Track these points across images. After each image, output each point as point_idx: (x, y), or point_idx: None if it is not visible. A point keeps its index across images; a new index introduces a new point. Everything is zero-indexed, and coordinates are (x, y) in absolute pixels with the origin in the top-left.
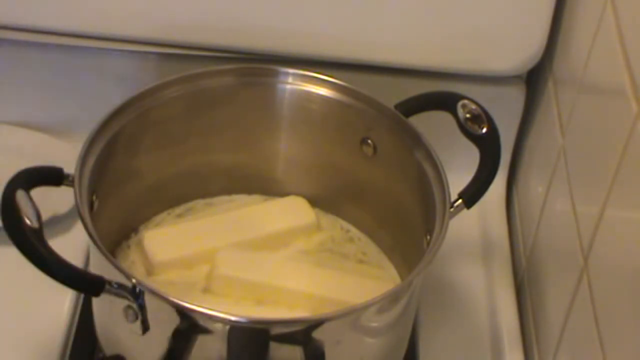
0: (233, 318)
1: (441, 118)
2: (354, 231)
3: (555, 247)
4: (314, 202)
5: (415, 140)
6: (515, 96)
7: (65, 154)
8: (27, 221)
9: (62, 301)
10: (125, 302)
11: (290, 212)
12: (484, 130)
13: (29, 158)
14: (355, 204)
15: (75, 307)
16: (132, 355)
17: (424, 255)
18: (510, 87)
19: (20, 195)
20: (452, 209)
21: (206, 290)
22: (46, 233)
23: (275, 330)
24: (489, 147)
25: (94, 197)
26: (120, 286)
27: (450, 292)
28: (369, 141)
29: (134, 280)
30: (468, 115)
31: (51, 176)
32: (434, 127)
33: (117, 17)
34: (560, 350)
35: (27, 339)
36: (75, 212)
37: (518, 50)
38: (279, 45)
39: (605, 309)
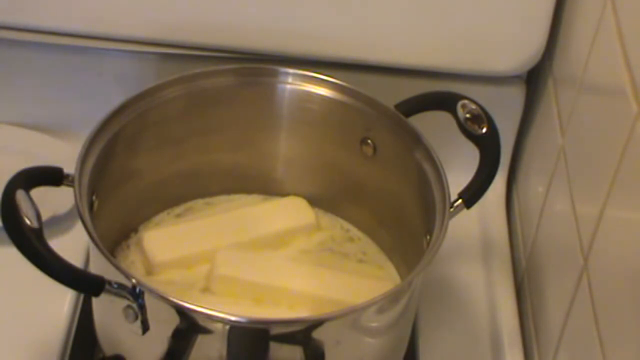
0: (233, 318)
1: (441, 118)
2: (354, 231)
3: (555, 247)
4: (314, 202)
5: (415, 140)
6: (515, 96)
7: (65, 154)
8: (27, 221)
9: (62, 301)
10: (125, 302)
11: (290, 212)
12: (484, 130)
13: (29, 158)
14: (355, 204)
15: (75, 307)
16: (132, 355)
17: (424, 255)
18: (510, 87)
19: (20, 195)
20: (452, 209)
21: (206, 290)
22: (46, 233)
23: (275, 330)
24: (489, 147)
25: (94, 197)
26: (120, 286)
27: (450, 292)
28: (369, 141)
29: (134, 280)
30: (468, 115)
31: (51, 176)
32: (434, 127)
33: (117, 17)
34: (560, 350)
35: (27, 339)
36: (75, 212)
37: (518, 50)
38: (279, 45)
39: (605, 309)
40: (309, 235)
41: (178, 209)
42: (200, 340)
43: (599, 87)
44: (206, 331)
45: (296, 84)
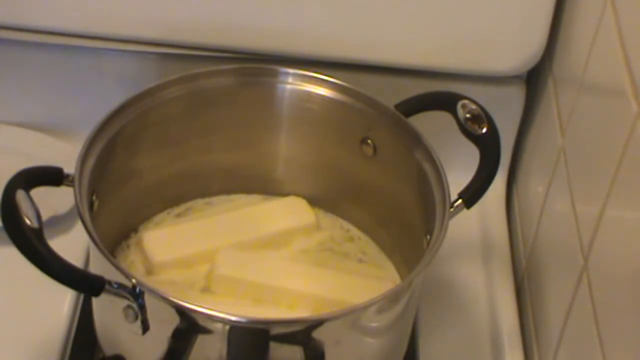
0: (233, 318)
1: (441, 118)
2: (354, 230)
3: (555, 247)
4: (314, 202)
5: (415, 140)
6: (515, 96)
7: (65, 154)
8: (27, 221)
9: (62, 301)
10: (125, 302)
11: (290, 212)
12: (484, 130)
13: (29, 158)
14: (355, 204)
15: (75, 307)
16: (132, 355)
17: (424, 255)
18: (510, 87)
19: (20, 195)
20: (452, 209)
21: (206, 290)
22: (46, 233)
23: (275, 330)
24: (489, 147)
25: (94, 197)
26: (120, 286)
27: (450, 292)
28: (369, 141)
29: (134, 280)
30: (468, 115)
31: (51, 176)
32: (434, 127)
33: (117, 17)
34: (560, 350)
35: (27, 339)
36: (75, 212)
37: (518, 50)
38: (279, 45)
39: (605, 309)
40: (308, 235)
41: (178, 209)
42: (200, 340)
43: (599, 87)
44: (206, 331)
45: (296, 84)
